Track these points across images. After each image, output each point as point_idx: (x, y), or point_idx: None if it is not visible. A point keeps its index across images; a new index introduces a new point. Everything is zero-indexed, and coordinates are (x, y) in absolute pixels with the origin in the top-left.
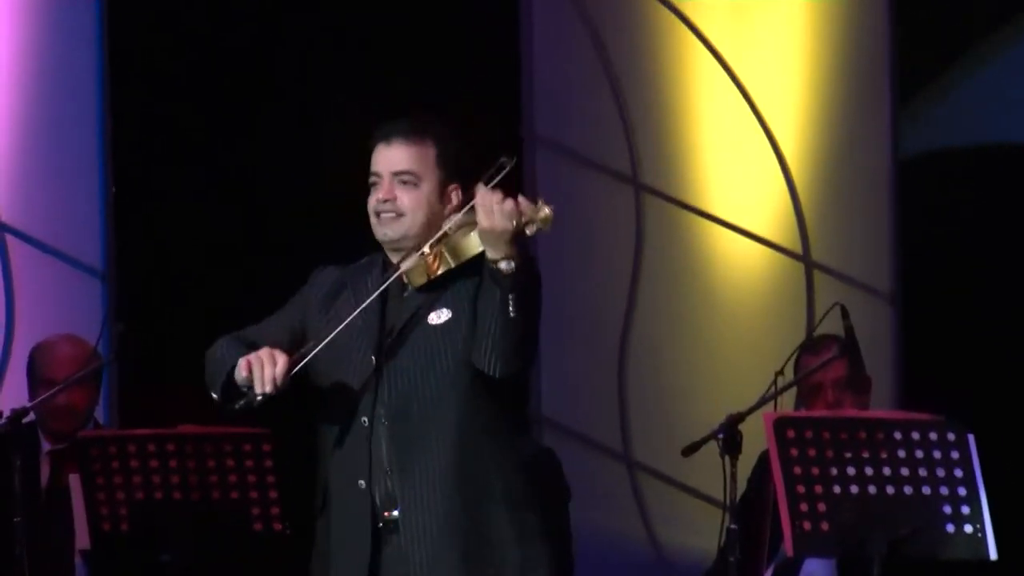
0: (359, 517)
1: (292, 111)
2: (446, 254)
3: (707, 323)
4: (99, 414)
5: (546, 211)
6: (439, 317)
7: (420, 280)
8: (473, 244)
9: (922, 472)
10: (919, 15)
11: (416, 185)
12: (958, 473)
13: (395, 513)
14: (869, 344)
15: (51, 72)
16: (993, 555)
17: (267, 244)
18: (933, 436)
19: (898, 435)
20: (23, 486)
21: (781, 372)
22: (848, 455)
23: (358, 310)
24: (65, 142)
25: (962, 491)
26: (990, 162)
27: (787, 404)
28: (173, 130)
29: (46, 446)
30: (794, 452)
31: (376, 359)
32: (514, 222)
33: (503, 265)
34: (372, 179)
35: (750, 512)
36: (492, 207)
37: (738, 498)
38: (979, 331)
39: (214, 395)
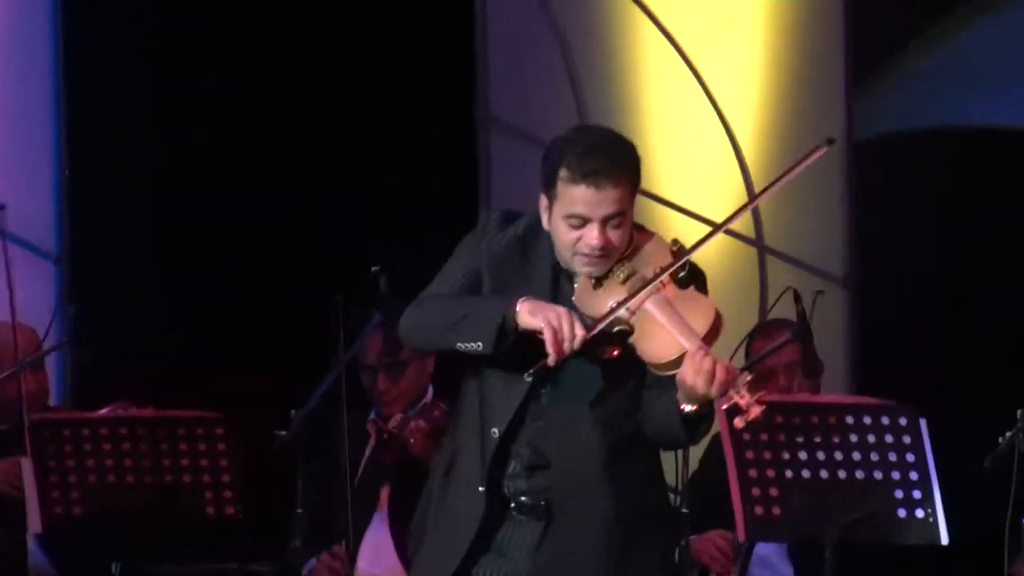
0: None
1: (244, 96)
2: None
3: None
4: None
5: (755, 410)
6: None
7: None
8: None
9: (874, 456)
10: (874, 1)
11: (624, 221)
12: (910, 458)
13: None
14: (822, 328)
15: (5, 56)
16: (944, 539)
17: (220, 228)
18: (885, 420)
19: (850, 419)
20: None
21: (732, 358)
22: (800, 439)
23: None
24: (19, 126)
25: (914, 475)
26: (943, 146)
27: None
28: (126, 115)
29: None
30: (746, 437)
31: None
32: (715, 393)
33: (685, 407)
34: (572, 219)
35: (701, 489)
36: (703, 369)
37: (688, 477)
38: (932, 315)
39: (475, 345)
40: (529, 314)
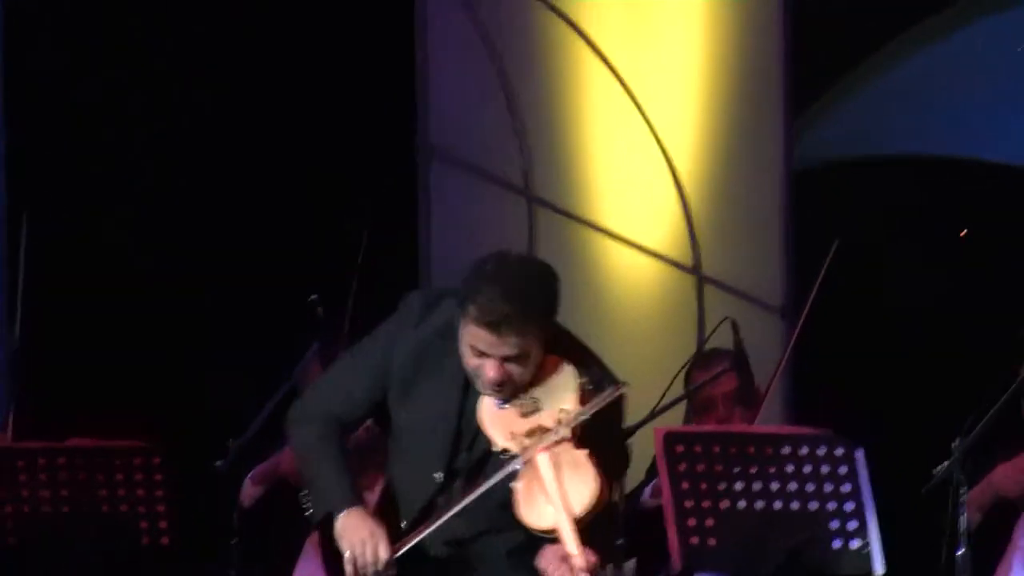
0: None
1: (187, 119)
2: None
3: (598, 335)
4: None
5: None
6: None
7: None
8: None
9: (809, 487)
10: (813, 27)
11: (525, 361)
12: (845, 488)
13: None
14: (760, 358)
15: None
16: (880, 570)
17: (159, 257)
18: (821, 451)
19: (786, 450)
20: None
21: (668, 387)
22: (737, 470)
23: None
24: None
25: (849, 506)
26: (882, 174)
27: (678, 419)
28: (71, 137)
29: None
30: (682, 467)
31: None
32: None
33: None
34: (473, 349)
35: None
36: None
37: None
38: (870, 345)
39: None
40: (340, 532)
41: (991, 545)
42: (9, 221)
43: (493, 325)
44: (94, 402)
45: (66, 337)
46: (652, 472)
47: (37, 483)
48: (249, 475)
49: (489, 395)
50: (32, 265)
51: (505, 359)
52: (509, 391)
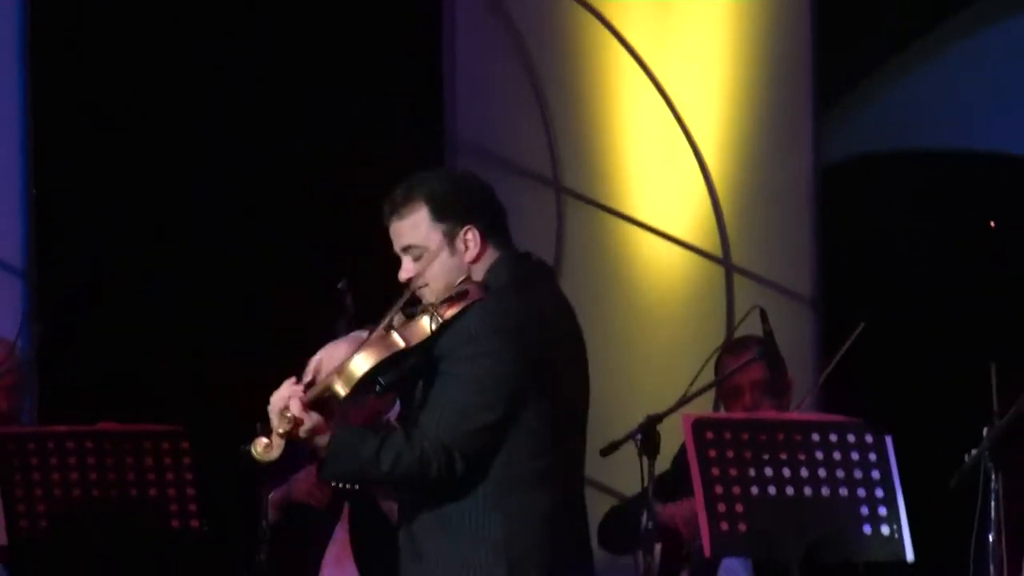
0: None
1: (215, 113)
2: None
3: (627, 325)
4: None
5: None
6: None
7: None
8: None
9: (839, 474)
10: (842, 21)
11: (423, 256)
12: (875, 475)
13: None
14: (789, 348)
15: None
16: (910, 556)
17: (188, 244)
18: (850, 438)
19: (815, 437)
20: None
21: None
22: (766, 456)
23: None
24: None
25: (879, 493)
26: (911, 168)
27: (707, 406)
28: (95, 128)
29: None
30: (712, 453)
31: None
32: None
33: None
34: None
35: (668, 489)
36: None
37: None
38: (898, 335)
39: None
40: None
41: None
42: (38, 207)
43: (386, 216)
44: (123, 386)
45: (94, 321)
46: (677, 463)
47: (67, 467)
48: (269, 496)
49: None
50: (57, 250)
51: (404, 251)
52: (429, 295)
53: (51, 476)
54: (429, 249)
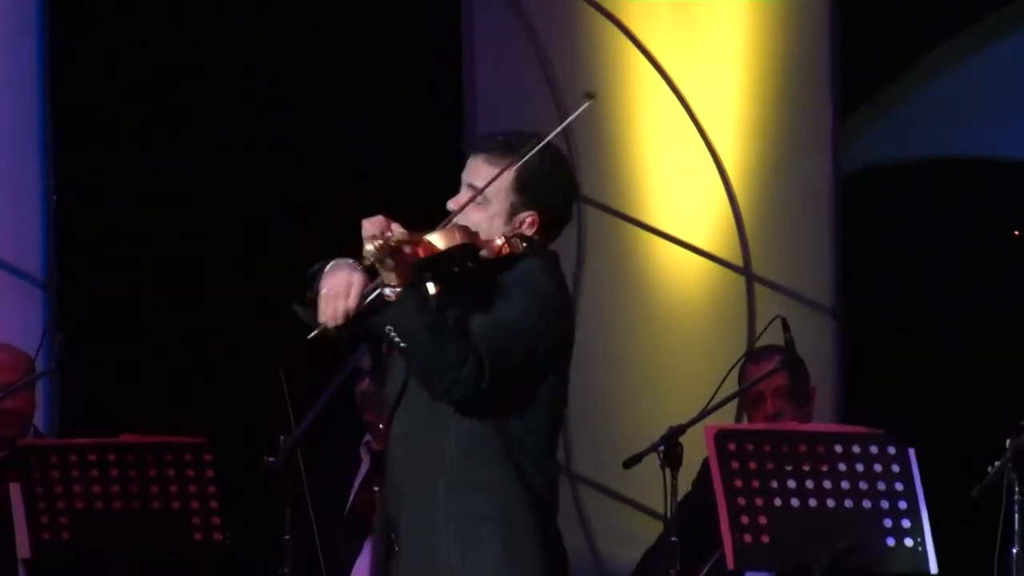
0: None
1: (236, 120)
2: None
3: (648, 335)
4: (38, 420)
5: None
6: None
7: None
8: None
9: (862, 485)
10: (863, 29)
11: (483, 204)
12: (898, 487)
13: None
14: (810, 357)
15: None
16: (934, 569)
17: (208, 254)
18: (873, 450)
19: (838, 448)
20: None
21: (722, 383)
22: (788, 468)
23: None
24: (7, 151)
25: (902, 504)
26: (932, 176)
27: (730, 414)
28: (116, 139)
29: None
30: (735, 465)
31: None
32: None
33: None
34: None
35: (691, 512)
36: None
37: (680, 498)
38: (920, 345)
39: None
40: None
41: None
42: (59, 217)
43: (474, 145)
44: (144, 398)
45: (116, 334)
46: (698, 485)
47: (89, 479)
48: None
49: None
50: (80, 261)
51: (469, 185)
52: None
53: (73, 488)
54: (491, 205)
